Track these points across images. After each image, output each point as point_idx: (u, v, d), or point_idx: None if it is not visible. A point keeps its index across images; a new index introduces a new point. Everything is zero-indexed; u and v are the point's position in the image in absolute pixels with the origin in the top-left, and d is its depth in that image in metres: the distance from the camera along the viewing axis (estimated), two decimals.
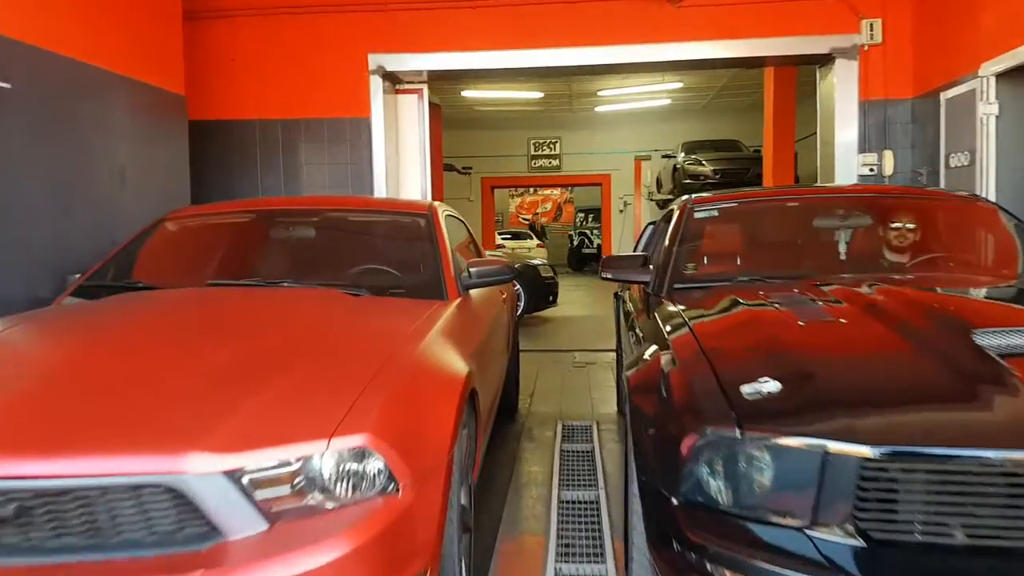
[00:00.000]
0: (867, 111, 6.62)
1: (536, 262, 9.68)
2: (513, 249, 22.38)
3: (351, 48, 6.72)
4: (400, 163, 7.21)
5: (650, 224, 5.07)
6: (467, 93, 15.13)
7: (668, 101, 16.57)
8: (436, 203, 3.94)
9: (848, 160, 6.71)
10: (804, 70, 9.36)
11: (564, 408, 5.22)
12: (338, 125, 6.80)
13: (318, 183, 6.83)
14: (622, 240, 19.03)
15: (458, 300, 3.09)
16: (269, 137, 6.84)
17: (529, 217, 27.89)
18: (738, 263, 3.49)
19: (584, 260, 23.08)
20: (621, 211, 19.08)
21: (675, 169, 14.87)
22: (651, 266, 3.40)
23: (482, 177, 19.37)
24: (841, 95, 6.66)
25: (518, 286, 9.14)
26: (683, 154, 14.92)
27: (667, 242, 3.40)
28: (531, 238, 23.38)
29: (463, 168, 10.77)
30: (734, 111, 18.47)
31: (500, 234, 23.10)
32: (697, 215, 3.53)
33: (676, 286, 3.10)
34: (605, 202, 19.29)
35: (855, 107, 6.64)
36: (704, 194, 3.88)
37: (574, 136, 19.13)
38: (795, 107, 11.42)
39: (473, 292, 3.39)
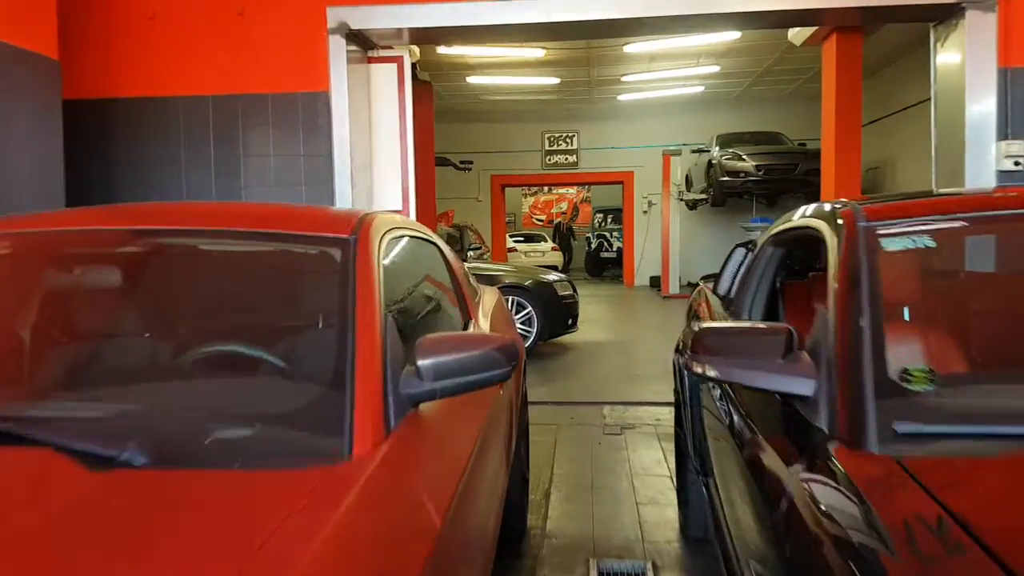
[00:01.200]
0: (1011, 82, 4.79)
1: (552, 278, 7.90)
2: (525, 253, 20.65)
3: None
4: (374, 154, 5.46)
5: (744, 247, 3.26)
6: (473, 80, 13.37)
7: (701, 88, 14.72)
8: (381, 216, 2.18)
9: (980, 151, 4.89)
10: (873, 41, 7.48)
11: (598, 521, 3.44)
12: (287, 103, 5.06)
13: (264, 180, 5.10)
14: (646, 245, 17.21)
15: (383, 451, 1.34)
16: (196, 119, 5.10)
17: (543, 218, 26.11)
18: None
19: (603, 265, 21.25)
20: (645, 212, 17.26)
21: (709, 165, 13.05)
22: (796, 350, 1.61)
23: (492, 175, 17.61)
24: (972, 61, 4.84)
25: (530, 308, 7.39)
26: (718, 148, 13.08)
27: (838, 309, 1.61)
28: (545, 240, 21.61)
29: (461, 163, 9.02)
30: (773, 101, 16.61)
31: (512, 236, 21.35)
32: (888, 245, 1.74)
33: (900, 427, 1.31)
34: (627, 202, 17.48)
35: (992, 77, 4.81)
36: (879, 201, 2.10)
37: (593, 129, 17.33)
38: (861, 89, 9.56)
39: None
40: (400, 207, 5.48)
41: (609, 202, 23.32)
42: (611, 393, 5.86)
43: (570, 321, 7.90)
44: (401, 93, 5.45)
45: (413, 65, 6.60)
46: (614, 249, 20.73)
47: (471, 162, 9.26)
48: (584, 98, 15.90)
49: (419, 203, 6.59)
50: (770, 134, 14.08)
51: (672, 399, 3.72)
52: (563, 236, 22.21)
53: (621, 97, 15.08)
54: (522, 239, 21.56)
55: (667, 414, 4.98)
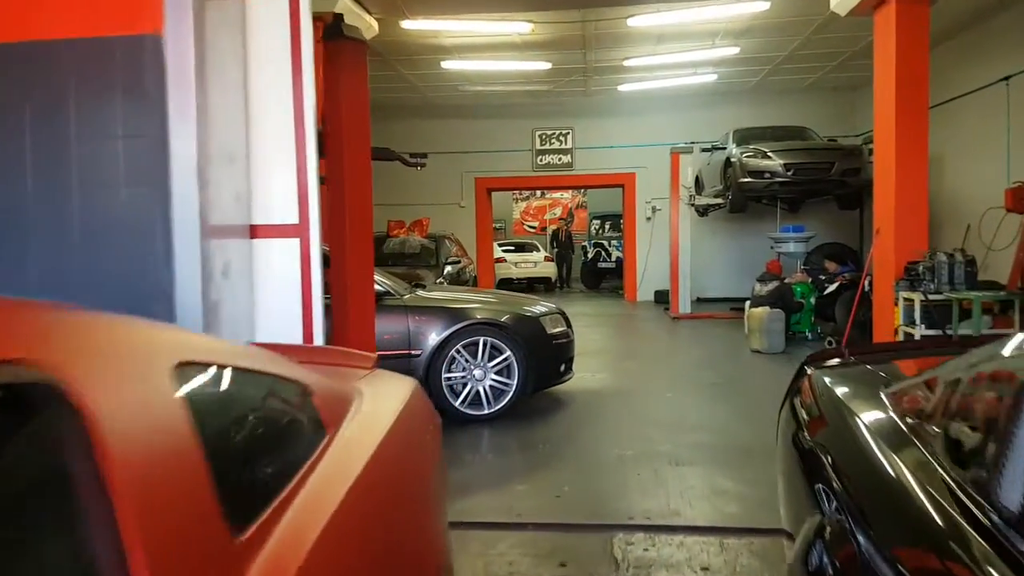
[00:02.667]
0: None
1: (538, 310, 5.94)
2: (516, 264, 18.70)
3: None
4: (251, 139, 3.52)
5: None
6: (450, 65, 11.44)
7: (713, 77, 12.81)
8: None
9: None
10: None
11: None
12: (96, 53, 3.11)
13: (58, 176, 3.14)
14: (650, 256, 15.27)
15: None
16: None
17: (536, 224, 24.17)
18: None
19: (600, 276, 19.32)
20: (649, 219, 15.33)
21: (727, 164, 11.12)
22: None
23: (476, 177, 15.68)
24: None
25: (509, 353, 5.47)
26: (736, 145, 11.15)
27: None
28: (537, 250, 19.65)
29: (412, 157, 7.08)
30: (793, 93, 14.72)
31: (501, 245, 19.39)
32: None
33: None
34: (628, 208, 15.55)
35: None
36: None
37: (590, 125, 15.40)
38: (928, 68, 7.65)
39: None
40: (294, 219, 3.53)
41: (607, 207, 21.38)
42: (624, 500, 3.89)
43: (563, 367, 5.95)
44: (297, 44, 3.50)
45: (338, 17, 4.67)
46: (613, 259, 18.80)
47: (425, 155, 7.30)
48: (579, 89, 13.99)
49: (345, 214, 4.65)
50: (795, 129, 12.18)
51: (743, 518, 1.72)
52: (562, 244, 20.01)
53: (622, 87, 13.17)
54: (512, 248, 19.60)
55: (726, 549, 3.04)
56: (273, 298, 3.54)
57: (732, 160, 10.82)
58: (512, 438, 5.12)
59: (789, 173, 10.33)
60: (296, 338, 3.51)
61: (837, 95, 14.88)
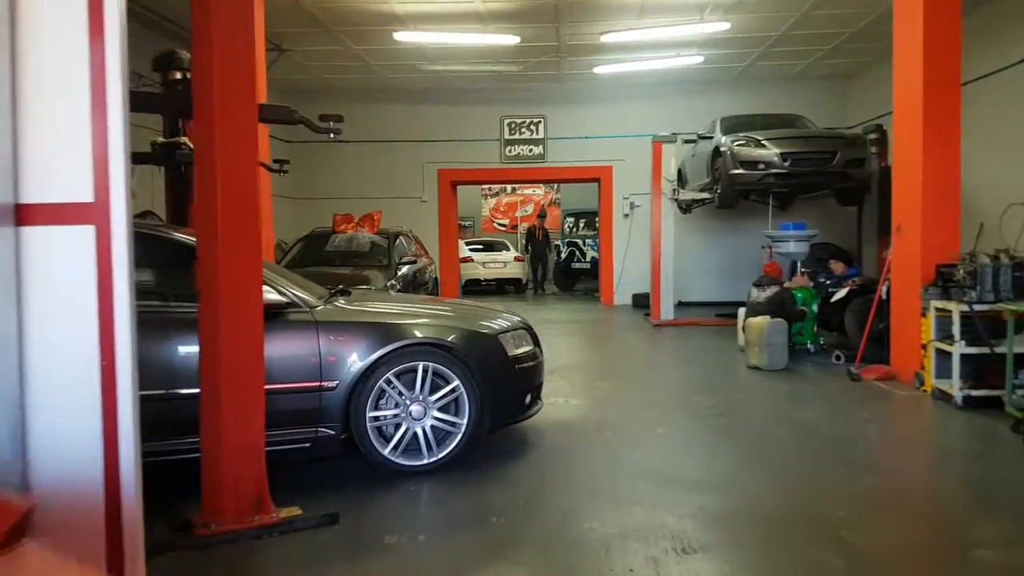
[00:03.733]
0: None
1: (497, 325, 4.62)
2: (483, 263, 17.39)
3: None
4: (20, 81, 2.16)
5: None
6: (403, 37, 10.09)
7: (699, 59, 11.60)
8: None
9: None
10: None
11: None
12: None
13: None
14: (627, 256, 14.05)
15: None
16: None
17: (506, 222, 22.87)
18: None
19: (574, 277, 18.08)
20: (626, 215, 14.11)
21: (715, 154, 9.93)
22: None
23: (439, 169, 14.33)
24: None
25: (457, 383, 4.16)
26: (725, 134, 9.95)
27: None
28: (507, 249, 18.35)
29: (323, 120, 5.69)
30: (781, 82, 13.61)
31: (468, 244, 18.07)
32: None
33: None
34: (604, 204, 14.31)
35: None
36: None
37: (563, 114, 14.14)
38: (960, 38, 6.49)
39: None
40: (86, 195, 2.18)
41: (581, 204, 20.18)
42: None
43: (529, 398, 4.66)
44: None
45: None
46: (588, 259, 17.56)
47: (340, 118, 5.93)
48: (552, 72, 12.71)
49: (217, 193, 3.33)
50: (788, 117, 11.02)
51: None
52: (537, 244, 18.36)
53: (599, 69, 11.90)
54: (480, 247, 18.28)
55: None
56: (54, 328, 2.20)
57: (722, 150, 9.62)
58: (457, 503, 3.81)
59: (786, 164, 9.15)
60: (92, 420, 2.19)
61: (828, 84, 13.79)
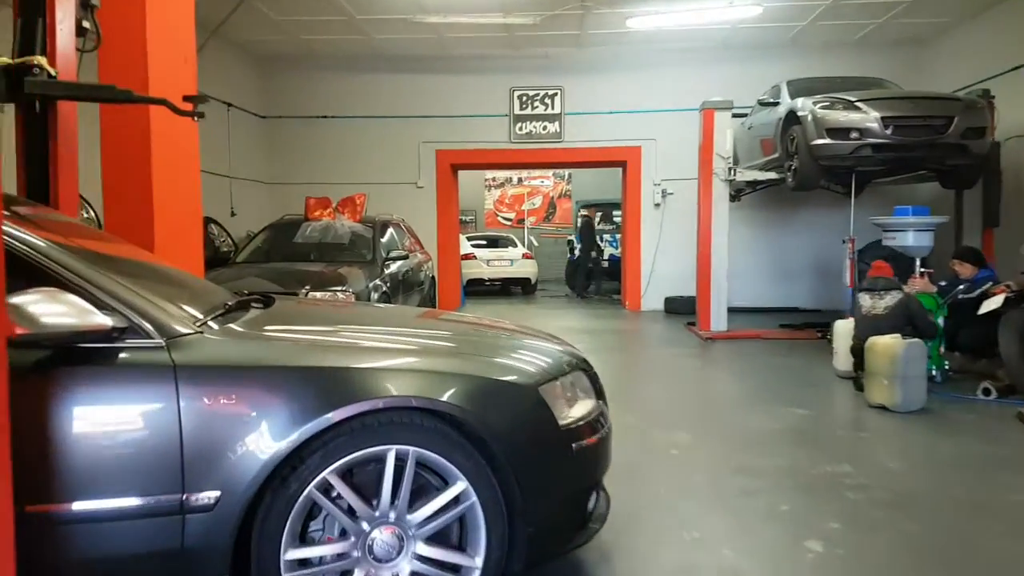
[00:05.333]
0: None
1: (533, 366, 2.50)
2: (488, 261, 15.28)
3: None
4: None
5: None
6: None
7: (758, 10, 9.45)
8: None
9: None
10: None
11: None
12: None
13: None
14: (658, 253, 11.92)
15: None
16: None
17: (511, 216, 20.71)
18: None
19: (589, 277, 15.93)
20: (657, 205, 11.98)
21: (788, 122, 7.81)
22: None
23: (437, 150, 12.20)
24: None
25: (466, 486, 1.91)
26: (800, 98, 7.81)
27: None
28: (514, 245, 16.23)
29: (185, 99, 3.49)
30: (839, 48, 11.49)
31: (470, 239, 15.97)
32: None
33: None
34: (631, 191, 12.16)
35: None
36: None
37: (584, 84, 12.00)
38: None
39: None
40: None
41: (596, 195, 18.06)
42: None
43: (590, 503, 2.52)
44: None
45: None
46: (606, 257, 15.44)
47: (204, 98, 3.73)
48: (573, 32, 10.57)
49: None
50: (869, 80, 8.90)
51: None
52: (588, 236, 14.81)
53: (632, 22, 9.73)
54: (483, 243, 16.16)
55: None
56: None
57: (800, 115, 7.48)
58: None
59: (887, 132, 7.03)
60: None
61: (898, 51, 11.61)
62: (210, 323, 2.21)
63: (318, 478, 2.07)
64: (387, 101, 12.05)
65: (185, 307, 2.23)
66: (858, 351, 5.75)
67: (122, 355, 1.99)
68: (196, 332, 2.11)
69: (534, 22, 9.49)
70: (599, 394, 2.72)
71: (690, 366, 7.24)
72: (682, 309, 11.02)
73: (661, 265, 11.87)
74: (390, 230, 8.88)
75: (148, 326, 2.03)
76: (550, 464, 2.32)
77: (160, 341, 2.02)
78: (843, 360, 6.17)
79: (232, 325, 2.28)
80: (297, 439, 2.03)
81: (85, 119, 4.12)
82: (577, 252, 15.41)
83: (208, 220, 9.73)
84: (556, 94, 12.03)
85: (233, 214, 10.78)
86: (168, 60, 4.55)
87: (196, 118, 4.03)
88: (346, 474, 2.13)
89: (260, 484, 2.02)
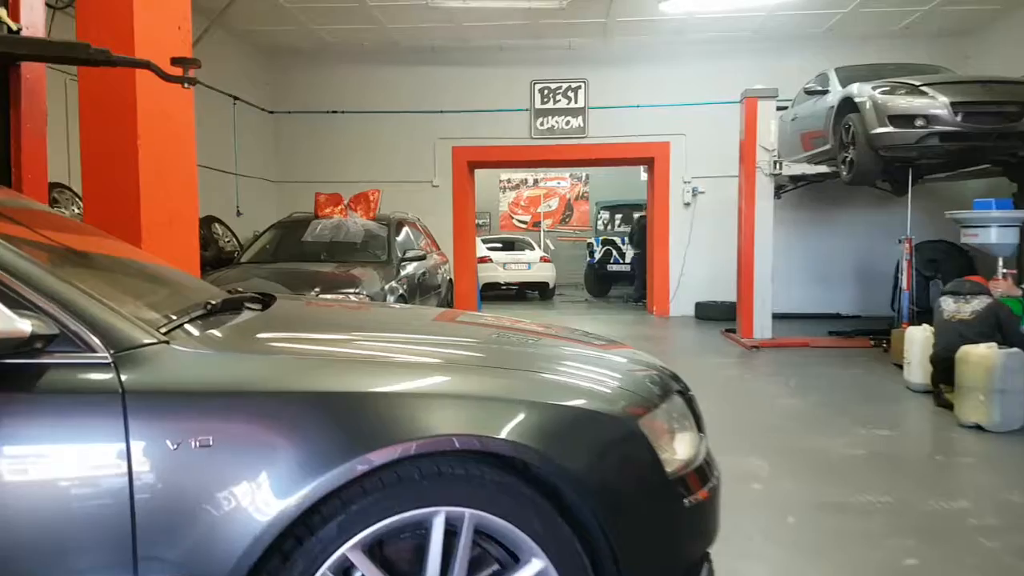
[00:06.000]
0: None
1: (620, 385, 1.86)
2: (504, 264, 14.64)
3: None
4: None
5: None
6: None
7: None
8: None
9: None
10: None
11: None
12: None
13: None
14: (688, 254, 11.26)
15: None
16: None
17: (527, 219, 20.07)
18: None
19: (609, 282, 15.31)
20: (687, 204, 11.32)
21: (843, 110, 7.15)
22: None
23: (453, 146, 11.58)
24: None
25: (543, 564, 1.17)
26: (857, 83, 7.14)
27: None
28: (531, 248, 15.60)
29: (175, 63, 2.86)
30: (878, 40, 10.80)
31: (486, 242, 15.37)
32: None
33: None
34: (659, 190, 11.49)
35: None
36: None
37: (609, 77, 11.36)
38: None
39: None
40: None
41: (614, 195, 17.41)
42: None
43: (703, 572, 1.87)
44: None
45: None
46: (627, 260, 14.76)
47: (195, 62, 3.03)
48: (599, 20, 9.94)
49: None
50: (923, 67, 8.22)
51: None
52: (643, 238, 13.10)
53: (665, 5, 9.10)
54: (499, 246, 15.54)
55: None
56: None
57: (858, 101, 6.80)
58: None
59: (957, 119, 6.35)
60: None
61: (941, 43, 10.91)
62: (183, 329, 1.57)
63: (334, 556, 1.43)
64: (401, 95, 11.45)
65: (147, 309, 1.59)
66: (939, 361, 5.08)
67: (46, 375, 1.35)
68: (160, 342, 1.47)
69: (560, 6, 8.86)
70: (700, 425, 2.06)
71: (739, 378, 6.56)
72: (715, 315, 10.36)
73: (691, 268, 11.21)
74: (406, 229, 8.27)
75: (88, 334, 1.39)
76: (656, 528, 1.67)
77: (104, 355, 1.38)
78: (918, 372, 5.49)
79: (213, 331, 1.64)
80: (304, 500, 1.39)
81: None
82: (596, 256, 14.77)
83: (212, 219, 9.15)
84: (580, 87, 11.40)
85: (239, 213, 10.20)
86: (158, 23, 3.93)
87: (187, 85, 3.41)
88: (374, 548, 1.49)
89: (251, 566, 1.37)
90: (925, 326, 5.63)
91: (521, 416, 1.58)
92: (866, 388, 5.88)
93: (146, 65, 3.29)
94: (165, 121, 4.07)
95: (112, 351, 1.39)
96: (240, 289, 2.39)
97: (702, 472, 1.82)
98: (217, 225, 9.20)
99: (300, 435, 1.42)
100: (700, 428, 2.07)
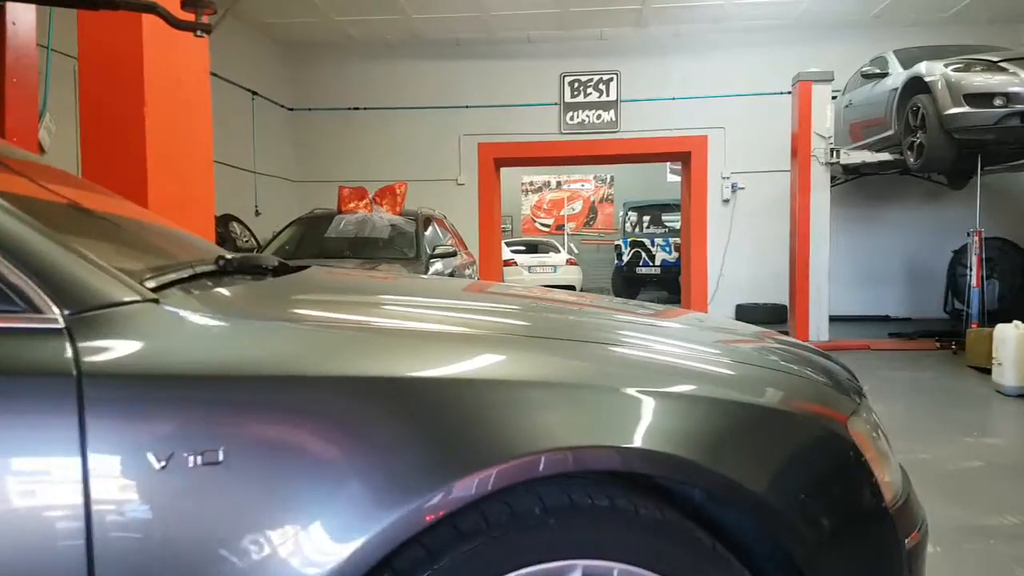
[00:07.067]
0: None
1: (824, 381, 1.33)
2: (529, 268, 14.14)
3: None
4: None
5: None
6: None
7: None
8: None
9: None
10: None
11: None
12: None
13: None
14: (727, 254, 10.68)
15: None
16: None
17: (550, 222, 19.56)
18: None
19: (638, 285, 14.78)
20: (727, 201, 10.74)
21: (909, 92, 6.58)
22: None
23: (479, 143, 11.09)
24: None
25: None
26: (925, 62, 6.58)
27: None
28: (556, 251, 15.09)
29: (185, 5, 2.36)
30: (927, 28, 10.17)
31: (509, 245, 14.88)
32: None
33: None
34: (696, 187, 10.92)
35: None
36: None
37: (642, 68, 10.84)
38: None
39: None
40: None
41: (640, 196, 16.83)
42: None
43: None
44: None
45: None
46: (657, 263, 14.19)
47: (210, 6, 2.48)
48: (635, 4, 9.43)
49: None
50: (987, 47, 7.64)
51: None
52: None
53: None
54: (523, 249, 15.04)
55: None
56: None
57: (928, 80, 6.24)
58: None
59: None
60: None
61: (993, 30, 10.27)
62: (180, 288, 1.06)
63: None
64: (425, 90, 10.98)
65: (130, 260, 1.08)
66: None
67: None
68: (145, 300, 0.95)
69: (588, 6, 8.35)
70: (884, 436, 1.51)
71: None
72: (758, 317, 9.76)
73: (730, 268, 10.62)
74: (434, 225, 7.77)
75: (29, 284, 0.87)
76: None
77: (53, 317, 0.87)
78: (1012, 374, 4.90)
79: (220, 290, 1.13)
80: (370, 549, 0.86)
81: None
82: (625, 258, 14.24)
83: (230, 217, 8.72)
84: (612, 79, 10.87)
85: (258, 213, 9.75)
86: None
87: (199, 33, 2.91)
88: None
89: None
90: (1017, 323, 5.05)
91: (716, 418, 1.05)
92: (951, 393, 5.29)
93: (152, 9, 2.81)
94: (177, 88, 3.59)
95: (65, 311, 0.87)
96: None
97: (910, 505, 1.28)
98: (235, 224, 8.75)
99: (363, 444, 0.90)
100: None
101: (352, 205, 7.27)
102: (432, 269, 6.75)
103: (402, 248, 6.93)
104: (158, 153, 3.43)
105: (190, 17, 2.88)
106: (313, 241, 7.04)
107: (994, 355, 5.17)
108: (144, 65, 3.34)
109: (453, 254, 7.33)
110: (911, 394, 5.28)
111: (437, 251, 7.00)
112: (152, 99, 3.40)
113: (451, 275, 7.34)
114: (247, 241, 8.70)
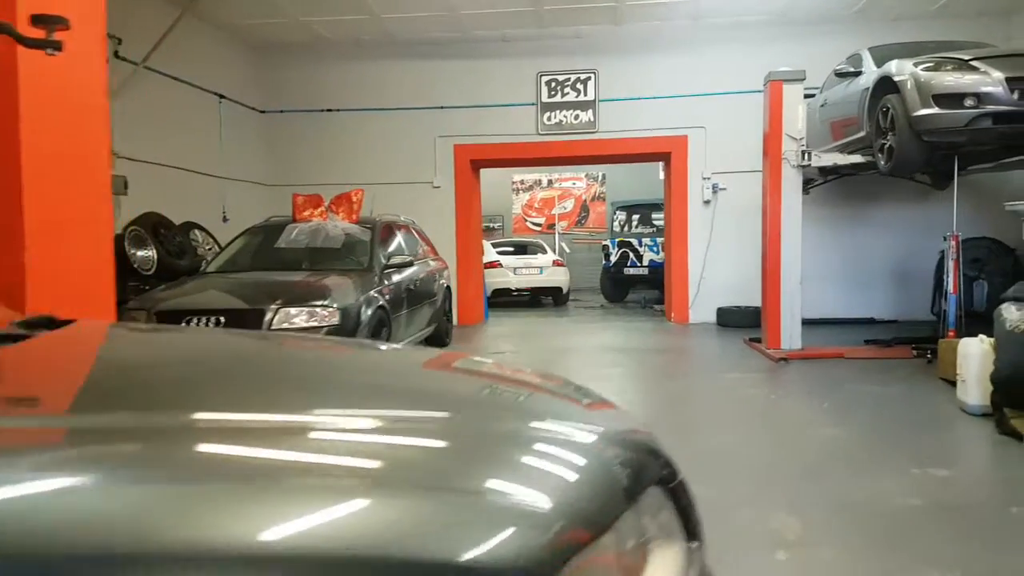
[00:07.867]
0: None
1: None
2: (515, 269, 13.89)
3: None
4: None
5: None
6: None
7: None
8: None
9: None
10: None
11: None
12: None
13: None
14: (708, 257, 10.43)
15: None
16: None
17: (541, 221, 19.31)
18: None
19: (627, 286, 14.55)
20: (707, 202, 10.48)
21: (879, 91, 6.32)
22: None
23: (455, 144, 10.86)
24: None
25: None
26: (896, 60, 6.31)
27: None
28: (544, 251, 14.83)
29: (36, 23, 2.20)
30: (912, 22, 9.94)
31: (495, 246, 14.67)
32: None
33: None
34: (676, 188, 10.65)
35: None
36: None
37: (620, 67, 10.58)
38: None
39: None
40: None
41: (633, 195, 16.58)
42: None
43: None
44: None
45: None
46: (645, 263, 13.95)
47: (61, 22, 2.29)
48: (608, 2, 9.16)
49: None
50: (966, 43, 7.35)
51: None
52: None
53: None
54: (510, 250, 14.79)
55: None
56: None
57: (897, 80, 5.97)
58: None
59: (1014, 96, 5.50)
60: None
61: (980, 24, 9.97)
62: None
63: None
64: (398, 91, 10.77)
65: None
66: (1002, 381, 4.25)
67: None
68: None
69: (562, 4, 8.11)
70: (692, 530, 1.28)
71: (764, 398, 5.74)
72: (739, 322, 9.53)
73: (712, 271, 10.37)
74: (397, 233, 7.57)
75: None
76: None
77: None
78: (975, 392, 4.66)
79: None
80: None
81: None
82: (612, 259, 14.01)
83: (192, 225, 8.53)
84: (589, 78, 10.62)
85: (225, 219, 9.56)
86: None
87: (51, 51, 2.71)
88: None
89: None
90: (983, 337, 4.79)
91: None
92: (914, 411, 5.04)
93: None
94: (63, 97, 3.38)
95: None
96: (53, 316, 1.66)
97: None
98: (197, 232, 8.56)
99: None
100: (693, 533, 1.30)
101: (307, 213, 7.07)
102: (388, 280, 6.54)
103: (357, 257, 6.73)
104: (38, 170, 3.23)
105: (41, 34, 2.68)
106: (266, 251, 6.84)
107: (958, 371, 4.92)
108: (19, 72, 3.13)
109: (410, 263, 7.11)
110: (870, 413, 5.02)
111: (393, 261, 6.78)
112: (29, 111, 3.19)
113: (413, 286, 7.13)
114: (210, 249, 8.52)
